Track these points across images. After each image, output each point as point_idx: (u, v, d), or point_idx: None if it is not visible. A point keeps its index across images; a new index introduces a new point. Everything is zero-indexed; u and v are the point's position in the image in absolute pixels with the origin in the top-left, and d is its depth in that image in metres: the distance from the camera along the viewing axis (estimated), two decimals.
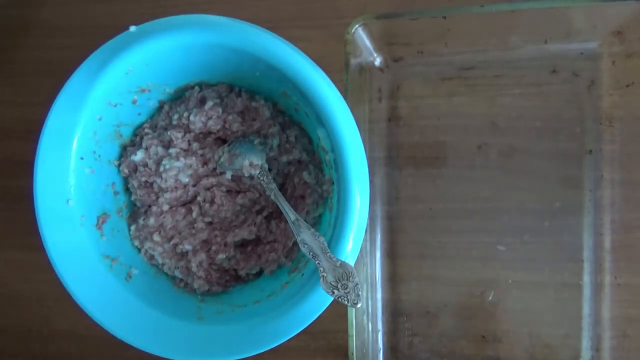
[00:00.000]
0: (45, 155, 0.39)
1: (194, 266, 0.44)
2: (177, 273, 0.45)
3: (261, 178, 0.42)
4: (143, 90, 0.43)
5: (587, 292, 0.47)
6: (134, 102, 0.44)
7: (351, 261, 0.39)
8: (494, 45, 0.47)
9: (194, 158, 0.44)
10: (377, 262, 0.49)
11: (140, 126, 0.46)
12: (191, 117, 0.43)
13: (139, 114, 0.45)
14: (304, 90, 0.38)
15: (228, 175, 0.44)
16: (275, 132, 0.44)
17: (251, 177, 0.44)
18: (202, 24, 0.38)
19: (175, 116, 0.44)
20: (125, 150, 0.45)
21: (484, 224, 0.48)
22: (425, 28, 0.45)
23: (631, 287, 0.46)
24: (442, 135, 0.49)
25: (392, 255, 0.49)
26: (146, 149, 0.44)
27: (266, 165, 0.43)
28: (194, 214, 0.44)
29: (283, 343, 0.39)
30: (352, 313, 0.44)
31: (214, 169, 0.45)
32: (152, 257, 0.45)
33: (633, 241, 0.46)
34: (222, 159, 0.44)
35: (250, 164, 0.43)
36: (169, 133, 0.44)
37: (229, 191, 0.45)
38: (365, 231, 0.39)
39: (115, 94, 0.41)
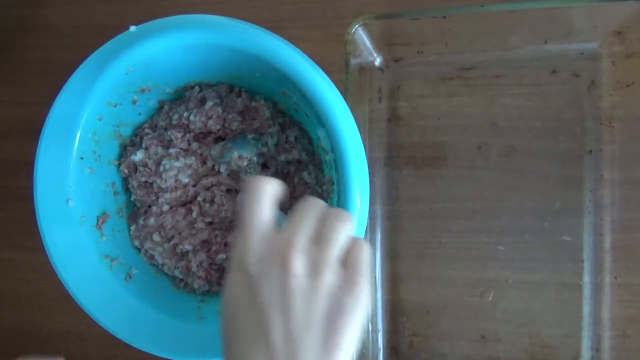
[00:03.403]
0: (45, 155, 0.39)
1: (194, 266, 0.44)
2: (177, 273, 0.45)
3: (249, 171, 0.43)
4: (143, 90, 0.43)
5: (587, 292, 0.47)
6: (134, 102, 0.44)
7: None
8: (494, 45, 0.47)
9: (193, 158, 0.44)
10: (377, 262, 0.49)
11: (140, 126, 0.46)
12: (191, 117, 0.43)
13: (139, 114, 0.45)
14: (304, 90, 0.38)
15: (222, 169, 0.44)
16: (274, 132, 0.44)
17: (242, 171, 0.44)
18: (202, 24, 0.38)
19: (175, 116, 0.44)
20: (125, 150, 0.45)
21: (484, 224, 0.48)
22: (425, 28, 0.45)
23: (631, 287, 0.46)
24: (442, 135, 0.49)
25: (392, 255, 0.49)
26: (146, 149, 0.44)
27: (255, 159, 0.43)
28: (194, 214, 0.44)
29: None
30: None
31: (213, 167, 0.45)
32: (152, 257, 0.45)
33: (633, 241, 0.46)
34: (214, 153, 0.44)
35: (240, 157, 0.43)
36: (169, 133, 0.44)
37: (228, 190, 0.45)
38: (365, 231, 0.39)
39: (115, 94, 0.41)
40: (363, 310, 0.30)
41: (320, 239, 0.31)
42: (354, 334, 0.30)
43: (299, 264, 0.29)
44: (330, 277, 0.29)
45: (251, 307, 0.29)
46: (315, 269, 0.29)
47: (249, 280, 0.29)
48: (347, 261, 0.31)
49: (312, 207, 0.32)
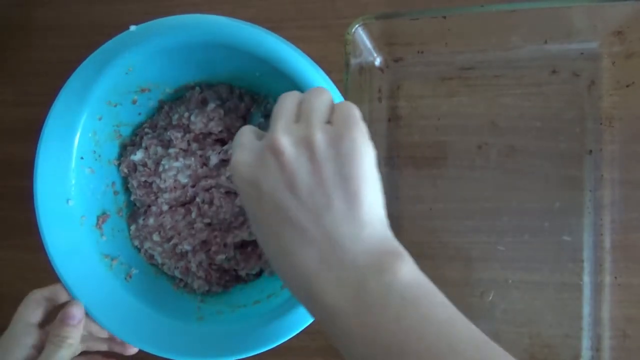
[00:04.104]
0: (45, 155, 0.39)
1: (193, 266, 0.44)
2: (177, 273, 0.45)
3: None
4: (143, 90, 0.43)
5: (587, 292, 0.47)
6: (134, 102, 0.44)
7: None
8: (494, 45, 0.47)
9: (193, 158, 0.44)
10: None
11: (140, 126, 0.46)
12: (192, 118, 0.43)
13: (139, 114, 0.45)
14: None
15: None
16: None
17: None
18: (202, 24, 0.38)
19: (176, 116, 0.44)
20: (125, 150, 0.45)
21: (484, 224, 0.48)
22: (425, 28, 0.45)
23: (631, 287, 0.46)
24: (442, 135, 0.49)
25: None
26: (146, 148, 0.44)
27: (262, 120, 0.42)
28: (193, 215, 0.44)
29: (283, 343, 0.39)
30: None
31: (212, 168, 0.44)
32: (152, 257, 0.45)
33: (633, 241, 0.46)
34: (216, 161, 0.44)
35: None
36: (168, 133, 0.44)
37: (227, 192, 0.45)
38: None
39: (115, 94, 0.41)
40: (368, 151, 0.28)
41: (301, 116, 0.30)
42: (370, 178, 0.28)
43: (285, 140, 0.28)
44: (320, 136, 0.28)
45: (262, 204, 0.29)
46: (304, 138, 0.28)
47: (249, 184, 0.29)
48: (333, 120, 0.29)
49: (288, 97, 0.31)
